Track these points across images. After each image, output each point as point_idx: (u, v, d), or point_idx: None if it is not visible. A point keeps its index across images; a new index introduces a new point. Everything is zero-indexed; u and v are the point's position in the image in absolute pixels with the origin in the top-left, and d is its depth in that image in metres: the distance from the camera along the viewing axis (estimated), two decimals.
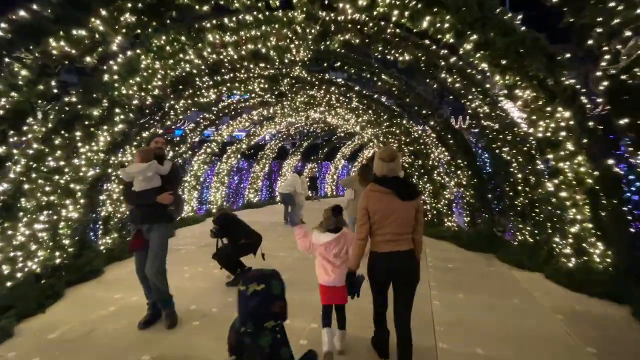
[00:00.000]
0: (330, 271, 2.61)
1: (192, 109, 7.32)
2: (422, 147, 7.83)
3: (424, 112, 6.65)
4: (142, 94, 4.65)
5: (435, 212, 8.26)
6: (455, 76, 5.12)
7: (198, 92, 6.92)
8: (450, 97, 6.60)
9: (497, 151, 5.65)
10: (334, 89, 7.73)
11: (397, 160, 2.37)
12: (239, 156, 13.34)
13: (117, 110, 4.57)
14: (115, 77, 4.08)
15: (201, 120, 8.76)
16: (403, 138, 8.03)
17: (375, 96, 7.68)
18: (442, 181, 7.89)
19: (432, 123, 6.79)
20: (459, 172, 7.00)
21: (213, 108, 8.82)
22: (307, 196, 13.34)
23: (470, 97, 5.33)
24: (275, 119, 11.96)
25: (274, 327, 1.37)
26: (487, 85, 5.08)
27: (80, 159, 4.51)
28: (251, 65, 6.01)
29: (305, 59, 6.01)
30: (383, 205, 2.29)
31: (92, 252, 5.32)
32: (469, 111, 5.65)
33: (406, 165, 8.60)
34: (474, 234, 6.82)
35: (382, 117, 8.04)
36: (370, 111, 8.30)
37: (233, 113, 9.37)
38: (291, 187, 9.14)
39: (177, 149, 8.52)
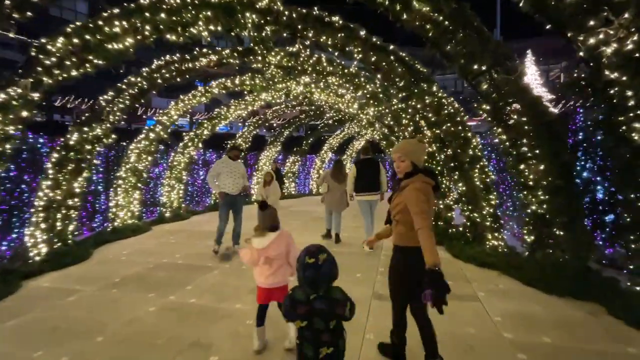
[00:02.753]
0: (268, 274, 2.56)
1: (95, 61, 4.39)
2: (458, 128, 5.24)
3: (475, 67, 4.04)
4: None
5: (469, 224, 5.74)
6: None
7: (91, 25, 4.01)
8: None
9: (622, 129, 3.13)
10: (327, 39, 4.98)
11: None
12: (200, 145, 10.40)
13: None
14: None
15: (124, 87, 5.77)
16: (430, 116, 5.39)
17: (392, 47, 4.96)
18: (487, 180, 5.34)
19: (484, 87, 4.21)
20: (522, 166, 4.48)
21: (143, 69, 5.86)
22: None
23: (592, 22, 2.76)
24: (245, 95, 9.09)
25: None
26: None
27: None
28: None
29: None
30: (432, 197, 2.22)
31: None
32: (581, 54, 3.09)
33: (426, 157, 5.97)
34: (546, 264, 4.33)
35: (397, 84, 5.37)
36: (378, 76, 5.60)
37: (179, 80, 6.43)
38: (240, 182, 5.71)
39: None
